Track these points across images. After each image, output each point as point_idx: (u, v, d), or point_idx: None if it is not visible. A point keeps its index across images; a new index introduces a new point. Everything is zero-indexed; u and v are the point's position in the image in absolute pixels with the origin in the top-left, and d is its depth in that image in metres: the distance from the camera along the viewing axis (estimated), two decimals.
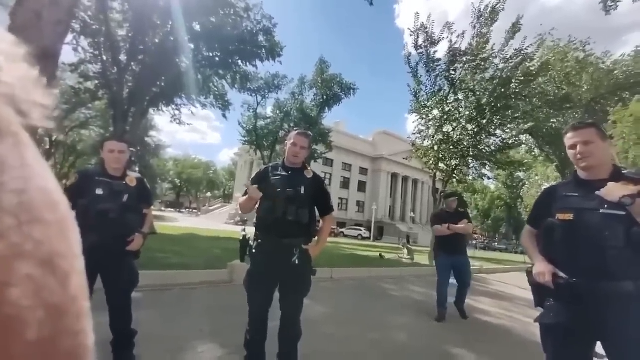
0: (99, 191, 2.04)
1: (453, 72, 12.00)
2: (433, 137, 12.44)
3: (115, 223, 2.06)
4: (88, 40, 11.75)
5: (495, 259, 18.97)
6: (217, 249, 7.97)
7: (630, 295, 1.34)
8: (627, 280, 1.36)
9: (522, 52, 11.37)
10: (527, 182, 42.48)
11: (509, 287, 8.01)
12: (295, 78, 28.27)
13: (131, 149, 2.33)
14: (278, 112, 28.76)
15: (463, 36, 11.75)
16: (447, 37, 11.88)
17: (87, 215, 1.99)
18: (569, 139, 1.61)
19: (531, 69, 11.35)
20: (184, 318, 3.28)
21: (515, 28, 11.49)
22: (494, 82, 11.45)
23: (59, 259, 0.18)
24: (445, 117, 12.08)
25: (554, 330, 1.52)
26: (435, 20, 12.00)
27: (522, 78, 11.25)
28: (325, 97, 27.14)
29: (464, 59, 11.67)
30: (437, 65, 12.25)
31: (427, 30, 11.97)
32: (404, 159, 17.54)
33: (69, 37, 10.39)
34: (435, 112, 12.45)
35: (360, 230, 37.01)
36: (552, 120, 18.33)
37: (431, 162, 12.34)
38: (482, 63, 11.37)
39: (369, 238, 35.12)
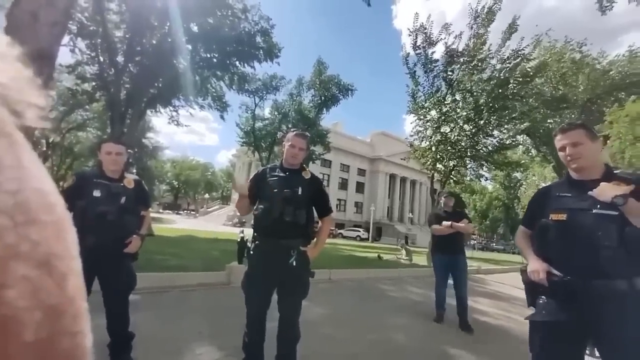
0: (97, 193, 2.03)
1: (450, 73, 12.05)
2: (431, 137, 12.48)
3: (112, 225, 2.05)
4: (85, 41, 11.71)
5: (493, 260, 19.03)
6: (215, 251, 7.95)
7: (624, 294, 1.36)
8: (620, 279, 1.37)
9: (519, 52, 11.44)
10: (524, 183, 42.70)
11: (506, 288, 8.03)
12: (293, 79, 28.29)
13: (129, 150, 2.33)
14: (276, 113, 28.80)
15: (460, 37, 11.81)
16: (445, 38, 11.95)
17: (84, 217, 1.98)
18: (558, 140, 1.63)
19: (528, 69, 11.42)
20: (182, 320, 3.26)
21: (511, 29, 11.56)
22: (491, 82, 11.52)
23: (56, 260, 0.18)
24: (442, 117, 12.13)
25: (543, 328, 1.52)
26: (433, 21, 12.06)
27: (520, 79, 11.32)
28: (323, 98, 27.20)
29: (461, 59, 11.73)
30: (435, 66, 12.31)
31: (426, 30, 12.02)
32: (402, 159, 17.60)
33: (66, 39, 10.36)
34: (433, 112, 12.50)
35: (359, 231, 37.02)
36: (548, 121, 18.44)
37: (429, 162, 12.38)
38: (479, 64, 11.43)
39: (367, 239, 35.14)
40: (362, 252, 13.81)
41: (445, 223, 4.16)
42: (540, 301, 1.54)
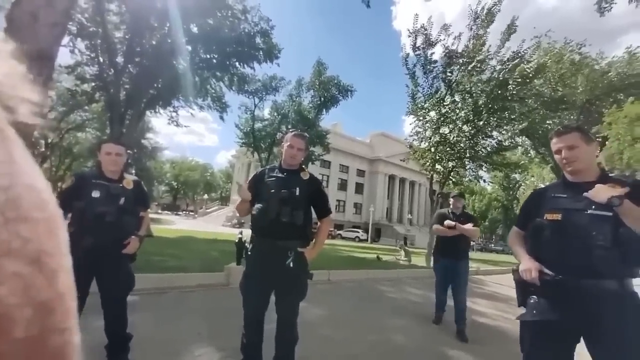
0: (96, 194, 2.03)
1: (450, 74, 12.06)
2: (430, 138, 12.48)
3: (111, 226, 2.05)
4: (84, 42, 11.71)
5: (492, 261, 19.04)
6: (214, 252, 7.94)
7: (615, 294, 1.38)
8: (612, 279, 1.39)
9: (519, 54, 11.45)
10: (523, 184, 42.78)
11: (504, 289, 8.03)
12: (293, 80, 28.35)
13: (128, 151, 2.33)
14: (275, 114, 28.86)
15: (460, 38, 11.82)
16: (444, 39, 11.96)
17: (83, 218, 1.99)
18: (554, 144, 1.65)
19: (527, 70, 11.43)
20: (180, 321, 3.26)
21: (510, 29, 11.58)
22: (491, 83, 11.52)
23: (47, 257, 0.18)
24: (442, 118, 12.13)
25: (533, 327, 1.53)
26: (433, 22, 12.07)
27: (519, 80, 11.32)
28: (322, 99, 27.24)
29: (461, 60, 11.74)
30: (434, 67, 12.31)
31: (425, 31, 12.03)
32: (401, 160, 17.60)
33: (65, 39, 10.36)
34: (432, 113, 12.50)
35: (358, 232, 37.03)
36: (547, 122, 18.47)
37: (428, 163, 12.38)
38: (479, 65, 11.43)
39: (366, 240, 35.14)
40: (361, 253, 13.81)
41: (447, 222, 3.87)
42: (531, 301, 1.55)
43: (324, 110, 27.64)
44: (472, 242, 4.11)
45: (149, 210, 2.49)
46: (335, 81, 26.90)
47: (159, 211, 57.76)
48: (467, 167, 13.10)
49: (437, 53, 12.43)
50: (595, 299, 1.40)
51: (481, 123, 11.52)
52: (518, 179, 43.53)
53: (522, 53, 11.53)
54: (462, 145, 11.72)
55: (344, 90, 27.13)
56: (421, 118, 12.73)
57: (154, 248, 7.02)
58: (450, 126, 12.06)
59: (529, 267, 1.53)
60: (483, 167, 13.42)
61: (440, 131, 12.18)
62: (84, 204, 2.01)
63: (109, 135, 12.10)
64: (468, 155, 11.94)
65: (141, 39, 11.75)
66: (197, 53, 13.34)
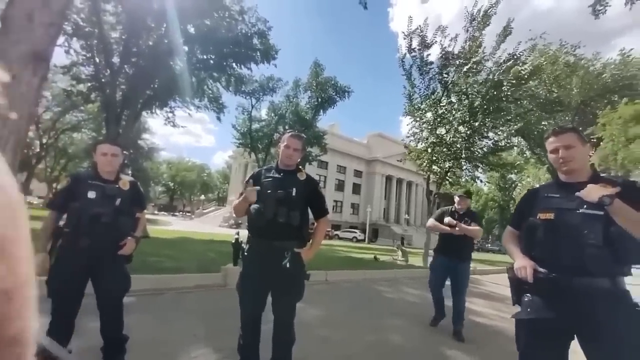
0: (91, 195, 2.03)
1: (446, 75, 12.12)
2: (427, 139, 12.53)
3: (107, 227, 2.04)
4: (80, 42, 11.65)
5: (489, 260, 19.13)
6: (211, 252, 7.92)
7: (607, 292, 1.40)
8: (604, 277, 1.42)
9: (514, 56, 11.54)
10: (519, 184, 43.05)
11: (501, 288, 8.08)
12: (290, 81, 28.39)
13: (124, 152, 2.32)
14: (273, 114, 28.88)
15: (456, 39, 11.89)
16: (440, 41, 12.03)
17: (79, 219, 1.98)
18: (550, 143, 1.66)
19: (522, 72, 11.52)
20: (177, 322, 3.25)
21: (506, 31, 11.66)
22: (486, 85, 11.59)
23: (9, 244, 0.17)
24: (438, 119, 12.19)
25: (528, 325, 1.55)
26: (429, 23, 12.15)
27: (514, 81, 11.40)
28: (320, 99, 27.31)
29: (457, 62, 11.81)
30: (430, 68, 12.38)
31: (421, 33, 12.09)
32: (398, 161, 17.69)
33: (61, 39, 10.29)
34: (429, 114, 12.56)
35: (355, 232, 37.07)
36: (543, 123, 18.64)
37: (425, 164, 12.43)
38: (475, 66, 11.51)
39: (363, 240, 35.18)
40: (358, 253, 13.84)
41: (448, 220, 3.71)
42: (526, 299, 1.57)
43: (321, 111, 27.72)
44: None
45: (145, 211, 2.48)
46: (333, 82, 26.98)
47: (156, 212, 57.49)
48: (464, 167, 13.17)
49: (434, 54, 12.52)
50: (587, 297, 1.42)
51: (477, 124, 11.59)
52: (514, 180, 43.82)
53: (518, 55, 11.62)
54: (458, 146, 11.78)
55: (341, 91, 27.23)
56: (418, 119, 12.78)
57: (150, 249, 6.98)
58: (447, 127, 12.12)
59: (523, 264, 1.55)
60: (479, 168, 13.50)
61: (437, 132, 12.24)
62: (79, 205, 2.00)
63: (104, 135, 12.04)
64: (464, 155, 12.00)
65: (138, 40, 11.71)
66: (194, 54, 13.31)
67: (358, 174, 47.97)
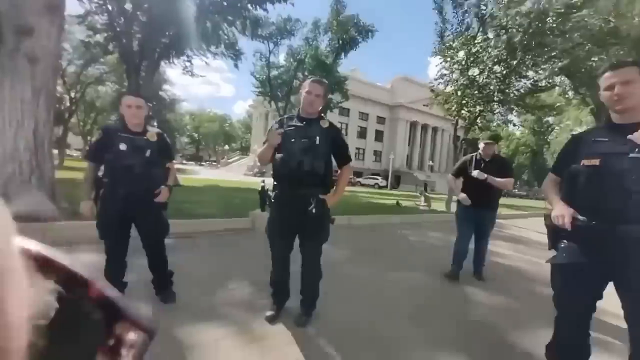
0: (123, 147, 2.12)
1: (484, 8, 10.76)
2: (457, 81, 11.65)
3: (140, 177, 2.17)
4: None
5: (515, 205, 18.82)
6: (238, 199, 8.32)
7: None
8: None
9: None
10: (557, 127, 40.17)
11: (524, 231, 8.06)
12: (309, 22, 26.41)
13: (148, 104, 2.35)
14: (291, 60, 27.58)
15: None
16: None
17: (114, 170, 2.11)
18: (606, 78, 1.49)
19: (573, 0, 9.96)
20: (213, 261, 3.57)
21: None
22: (530, 16, 10.19)
23: None
24: (471, 59, 11.16)
25: (564, 269, 1.56)
26: None
27: (562, 10, 9.93)
28: (340, 41, 25.52)
29: None
30: (466, 0, 10.98)
31: None
32: (424, 105, 16.80)
33: None
34: (461, 53, 11.48)
35: (377, 179, 37.19)
36: (592, 59, 16.55)
37: (453, 108, 11.75)
38: None
39: (385, 187, 35.36)
40: (380, 199, 14.04)
41: (477, 174, 3.41)
42: (562, 245, 1.55)
43: (343, 54, 26.05)
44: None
45: (174, 161, 2.60)
46: (355, 21, 24.84)
47: (184, 162, 60.07)
48: (496, 111, 12.32)
49: None
50: (630, 245, 1.37)
51: (515, 62, 10.51)
52: (551, 122, 40.83)
53: None
54: (491, 87, 10.91)
55: (364, 31, 25.13)
56: (449, 59, 11.76)
57: (182, 196, 7.41)
58: (480, 67, 11.12)
59: (562, 212, 1.49)
60: (513, 111, 12.59)
61: (469, 73, 11.30)
62: (112, 156, 2.11)
63: (127, 88, 12.15)
64: (497, 98, 11.14)
65: None
66: None
67: (381, 120, 46.47)
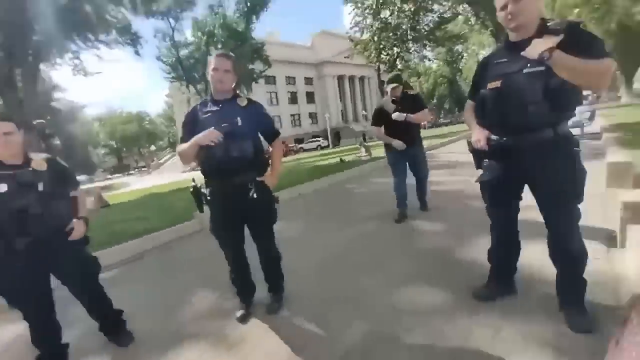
0: (3, 188, 1.69)
1: None
2: (371, 26, 11.72)
3: (40, 219, 1.75)
4: None
5: (442, 134, 20.46)
6: (180, 201, 7.77)
7: (551, 141, 1.53)
8: (547, 128, 1.52)
9: None
10: (465, 54, 43.46)
11: (456, 155, 8.86)
12: None
13: (40, 121, 1.89)
14: (199, 34, 25.00)
15: None
16: None
17: (1, 218, 1.69)
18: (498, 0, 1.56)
19: None
20: (167, 278, 3.35)
21: None
22: None
23: None
24: (381, 1, 11.18)
25: (489, 184, 1.76)
26: None
27: None
28: (248, 3, 23.54)
29: None
30: None
31: None
32: (345, 57, 16.75)
33: None
34: None
35: (318, 140, 37.56)
36: None
37: (373, 55, 11.94)
38: None
39: (328, 146, 35.91)
40: (325, 160, 14.26)
41: (396, 115, 3.51)
42: (485, 163, 1.73)
43: (254, 17, 24.19)
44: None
45: (80, 187, 2.15)
46: None
47: (108, 176, 53.52)
48: (412, 49, 12.82)
49: None
50: (534, 150, 1.57)
51: None
52: (460, 51, 43.97)
53: None
54: (403, 27, 11.22)
55: None
56: (360, 5, 11.65)
57: (116, 216, 6.74)
58: (390, 8, 11.24)
59: (478, 137, 1.68)
60: (427, 47, 13.22)
61: (381, 16, 11.38)
62: None
63: (1, 107, 9.93)
64: (410, 37, 11.54)
65: None
66: None
67: (309, 81, 45.79)
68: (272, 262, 2.33)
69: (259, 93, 35.15)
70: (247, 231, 2.20)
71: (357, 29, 12.18)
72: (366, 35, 12.06)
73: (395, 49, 11.71)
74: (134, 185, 23.13)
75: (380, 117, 3.78)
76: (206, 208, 2.25)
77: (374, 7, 11.26)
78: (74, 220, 1.93)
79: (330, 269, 2.84)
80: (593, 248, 2.18)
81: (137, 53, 16.18)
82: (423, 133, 4.23)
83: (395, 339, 1.76)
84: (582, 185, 1.55)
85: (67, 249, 1.89)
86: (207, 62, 2.04)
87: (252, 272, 2.33)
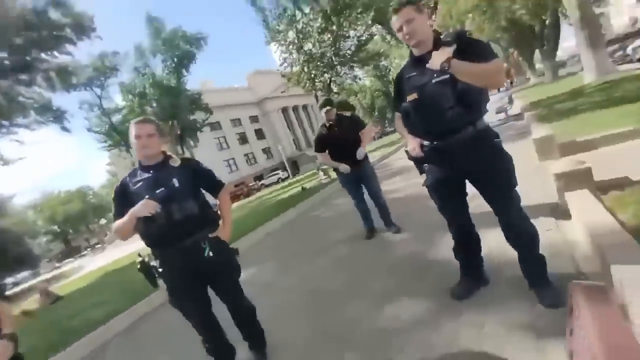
0: None
1: None
2: (298, 60, 12.31)
3: None
4: None
5: (391, 142, 21.48)
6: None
7: (472, 137, 1.65)
8: (467, 126, 1.64)
9: None
10: (391, 68, 47.18)
11: (404, 161, 9.23)
12: (130, 50, 23.56)
13: None
14: (130, 96, 24.31)
15: None
16: None
17: None
18: (393, 23, 1.71)
19: None
20: None
21: None
22: None
23: None
24: (301, 36, 11.87)
25: (433, 187, 1.86)
26: None
27: None
28: (175, 59, 23.61)
29: None
30: None
31: None
32: (282, 92, 17.32)
33: None
34: (291, 34, 12.09)
35: (278, 173, 37.44)
36: (390, 4, 19.63)
37: (307, 85, 12.46)
38: None
39: (288, 177, 35.88)
40: (287, 192, 14.14)
41: (359, 153, 3.47)
42: (426, 168, 1.84)
43: (184, 70, 24.23)
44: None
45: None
46: (181, 34, 23.16)
47: (57, 265, 47.66)
48: (342, 73, 13.61)
49: None
50: (461, 148, 1.67)
51: (335, 27, 11.66)
52: (386, 65, 47.66)
53: None
54: (328, 55, 11.91)
55: (195, 40, 23.73)
56: (282, 42, 12.24)
57: (69, 310, 5.99)
58: (311, 40, 11.95)
59: (412, 145, 1.79)
60: (355, 68, 14.12)
61: (305, 49, 12.03)
62: None
63: None
64: (336, 62, 12.29)
65: None
66: None
67: (254, 119, 46.23)
68: (247, 318, 2.17)
69: (207, 141, 34.60)
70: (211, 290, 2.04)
71: (286, 64, 12.73)
72: (296, 68, 12.63)
73: (326, 75, 12.38)
74: (88, 266, 20.90)
75: (322, 142, 3.75)
76: (160, 281, 2.04)
77: (296, 42, 11.90)
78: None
79: (310, 306, 2.72)
80: (542, 222, 2.34)
81: (64, 129, 15.16)
82: (374, 144, 4.35)
83: None
84: (512, 171, 1.68)
85: None
86: (129, 132, 1.93)
87: (227, 333, 2.15)
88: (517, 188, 1.71)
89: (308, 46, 12.13)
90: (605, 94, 7.22)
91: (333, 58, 12.01)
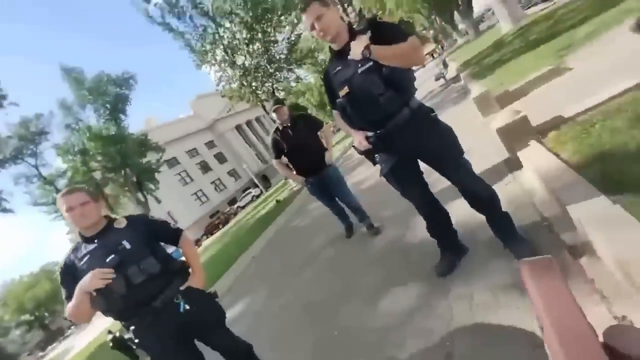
0: None
1: (201, 4, 11.06)
2: (235, 75, 12.06)
3: None
4: None
5: (348, 134, 21.80)
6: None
7: (409, 116, 1.65)
8: (402, 108, 1.64)
9: None
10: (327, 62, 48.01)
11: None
12: (54, 108, 21.86)
13: None
14: (70, 157, 22.60)
15: None
16: None
17: None
18: (305, 22, 1.68)
19: None
20: None
21: None
22: None
23: None
24: (230, 51, 11.62)
25: (390, 175, 1.85)
26: None
27: None
28: (108, 105, 22.26)
29: None
30: (180, 6, 11.01)
31: None
32: (228, 112, 16.93)
33: None
34: (219, 52, 11.78)
35: (250, 192, 36.77)
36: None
37: (252, 98, 12.26)
38: None
39: (261, 192, 35.36)
40: (263, 209, 13.90)
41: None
42: (378, 158, 1.80)
43: (121, 115, 22.93)
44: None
45: None
46: (106, 78, 21.87)
47: (40, 355, 43.59)
48: (282, 78, 13.53)
49: None
50: (403, 130, 1.66)
51: (260, 35, 11.54)
52: (324, 59, 48.39)
53: None
54: (262, 64, 11.78)
55: (123, 81, 22.53)
56: (213, 62, 11.92)
57: None
58: (241, 53, 11.75)
59: (358, 139, 1.74)
60: (293, 70, 14.10)
61: (238, 63, 11.80)
62: None
63: None
64: (273, 69, 12.19)
65: None
66: None
67: (211, 144, 44.97)
68: (245, 358, 2.05)
69: (168, 180, 33.15)
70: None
71: (223, 82, 12.42)
72: (235, 85, 12.36)
73: (267, 84, 12.23)
74: (79, 343, 19.28)
75: (278, 147, 3.40)
76: (140, 351, 1.87)
77: (227, 58, 11.63)
78: None
79: (308, 321, 2.65)
80: (500, 177, 2.43)
81: (5, 211, 13.80)
82: (335, 138, 4.25)
83: None
84: (454, 140, 1.71)
85: None
86: (58, 206, 1.76)
87: None
88: (465, 155, 1.74)
89: (240, 60, 11.90)
90: (522, 40, 7.76)
91: (268, 66, 11.87)
